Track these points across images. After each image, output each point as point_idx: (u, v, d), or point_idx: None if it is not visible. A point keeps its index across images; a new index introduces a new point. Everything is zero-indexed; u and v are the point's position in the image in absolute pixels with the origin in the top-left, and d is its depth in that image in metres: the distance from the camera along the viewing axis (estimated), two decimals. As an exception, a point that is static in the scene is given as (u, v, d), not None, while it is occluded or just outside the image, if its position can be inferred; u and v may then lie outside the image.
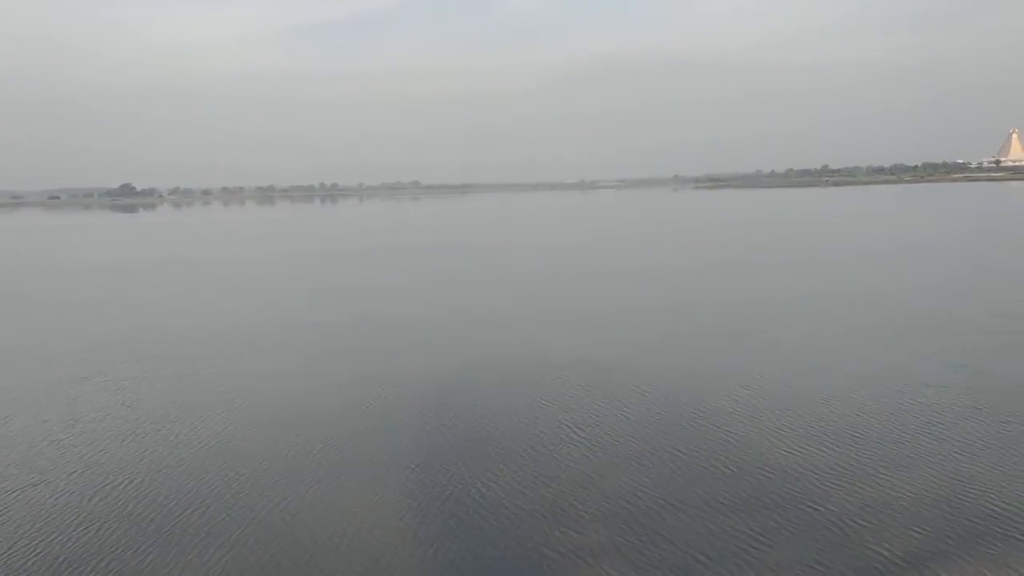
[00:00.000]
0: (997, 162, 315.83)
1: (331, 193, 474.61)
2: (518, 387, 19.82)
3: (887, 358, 21.41)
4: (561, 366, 21.75)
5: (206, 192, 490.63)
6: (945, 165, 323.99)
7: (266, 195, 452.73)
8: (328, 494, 13.45)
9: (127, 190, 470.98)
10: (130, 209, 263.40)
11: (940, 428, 15.72)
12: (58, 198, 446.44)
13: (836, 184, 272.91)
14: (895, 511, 12.08)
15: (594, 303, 32.65)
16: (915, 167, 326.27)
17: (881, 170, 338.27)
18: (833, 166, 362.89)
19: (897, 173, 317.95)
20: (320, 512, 12.73)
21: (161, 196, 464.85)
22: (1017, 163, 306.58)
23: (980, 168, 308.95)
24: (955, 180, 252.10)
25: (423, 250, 63.10)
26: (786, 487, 13.15)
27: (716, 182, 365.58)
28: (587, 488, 13.34)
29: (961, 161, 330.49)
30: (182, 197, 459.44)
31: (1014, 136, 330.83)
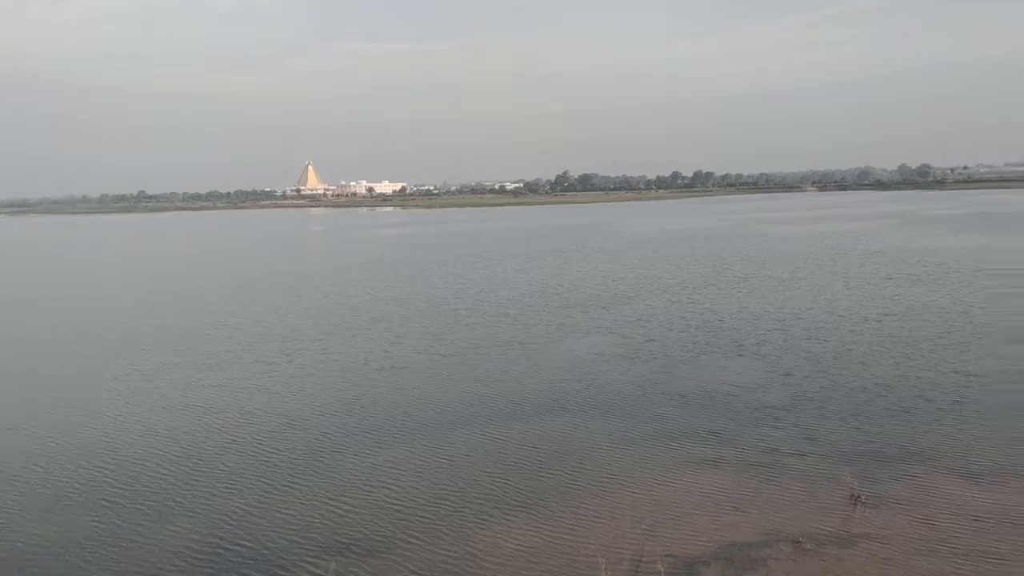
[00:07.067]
0: (298, 191, 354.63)
1: None
2: None
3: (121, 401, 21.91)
4: None
5: None
6: (255, 192, 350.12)
7: None
8: None
9: None
10: None
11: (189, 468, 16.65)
12: None
13: (153, 210, 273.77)
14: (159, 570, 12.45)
15: None
16: (228, 194, 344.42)
17: (198, 196, 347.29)
18: (150, 192, 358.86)
19: (212, 200, 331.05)
20: None
21: None
22: (314, 191, 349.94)
23: (285, 196, 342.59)
24: (264, 207, 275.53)
25: None
26: None
27: (23, 207, 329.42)
28: None
29: (268, 189, 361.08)
30: None
31: (310, 168, 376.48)
